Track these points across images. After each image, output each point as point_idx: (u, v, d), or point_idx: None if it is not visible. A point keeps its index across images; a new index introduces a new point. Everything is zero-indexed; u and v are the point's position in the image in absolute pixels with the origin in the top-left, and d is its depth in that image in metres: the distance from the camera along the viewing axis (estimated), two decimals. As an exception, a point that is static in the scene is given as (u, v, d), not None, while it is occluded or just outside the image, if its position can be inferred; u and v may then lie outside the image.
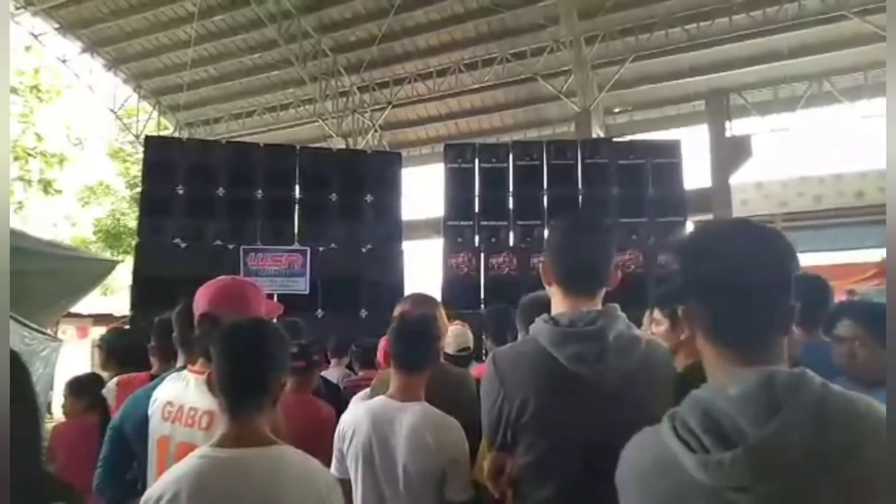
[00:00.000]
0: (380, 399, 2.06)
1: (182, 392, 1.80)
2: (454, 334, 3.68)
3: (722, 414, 0.89)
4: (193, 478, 1.38)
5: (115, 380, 3.10)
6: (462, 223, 7.72)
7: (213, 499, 1.37)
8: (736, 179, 12.17)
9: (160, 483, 1.42)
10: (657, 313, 2.14)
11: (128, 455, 1.97)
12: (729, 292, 0.95)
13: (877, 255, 10.20)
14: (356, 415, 2.05)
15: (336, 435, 2.08)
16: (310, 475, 1.49)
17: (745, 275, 0.94)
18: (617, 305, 1.60)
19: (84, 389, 3.62)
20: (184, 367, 1.97)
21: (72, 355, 9.26)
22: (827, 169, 12.98)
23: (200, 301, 1.83)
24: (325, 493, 1.48)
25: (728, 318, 0.96)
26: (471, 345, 3.69)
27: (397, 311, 2.35)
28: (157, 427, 1.80)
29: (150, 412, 1.84)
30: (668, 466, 0.92)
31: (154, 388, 1.92)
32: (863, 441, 0.84)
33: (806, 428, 0.84)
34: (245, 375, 1.49)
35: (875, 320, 1.92)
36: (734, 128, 12.61)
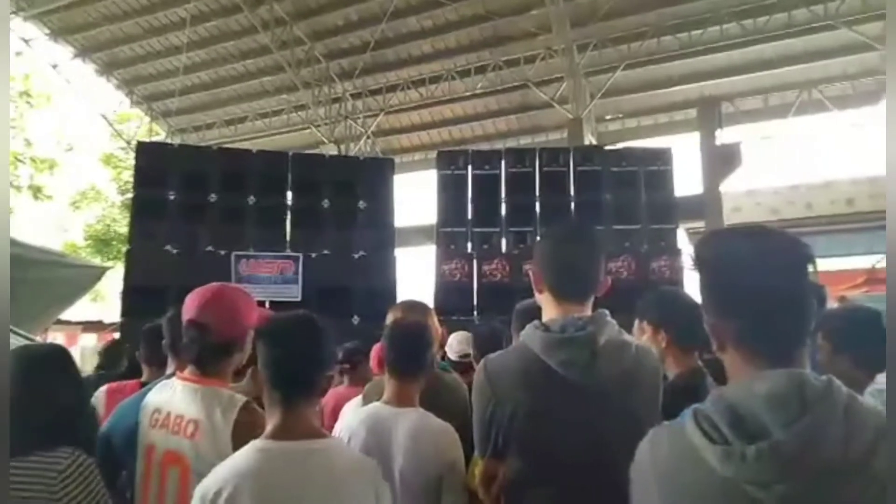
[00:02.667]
0: (375, 406, 2.05)
1: (169, 400, 1.78)
2: (457, 340, 3.71)
3: (747, 410, 0.90)
4: (254, 471, 1.39)
5: (104, 388, 3.07)
6: (455, 230, 7.74)
7: (277, 491, 1.38)
8: (727, 187, 12.24)
9: (217, 477, 1.41)
10: (644, 323, 2.15)
11: (116, 464, 1.95)
12: (760, 301, 0.97)
13: (867, 262, 10.27)
14: (351, 422, 2.04)
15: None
16: (365, 467, 1.54)
17: (774, 283, 0.96)
18: (606, 311, 1.61)
19: None
20: (173, 375, 1.95)
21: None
22: (817, 176, 13.08)
23: (189, 308, 1.82)
24: (379, 485, 1.52)
25: (759, 326, 0.97)
26: (472, 351, 3.70)
27: (389, 318, 2.34)
28: (145, 435, 1.79)
29: (139, 420, 1.83)
30: (687, 459, 0.93)
31: (143, 396, 1.91)
32: (882, 451, 0.86)
33: (832, 431, 0.86)
34: (300, 368, 1.51)
35: (829, 329, 1.94)
36: (725, 135, 12.70)
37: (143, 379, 2.96)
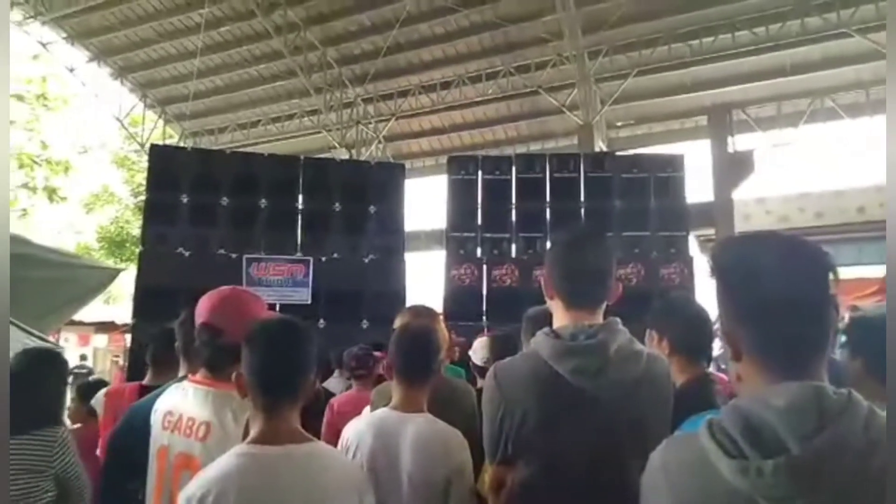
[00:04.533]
0: (383, 411, 2.06)
1: (181, 402, 1.80)
2: (481, 346, 3.72)
3: (764, 423, 0.88)
4: (238, 476, 1.39)
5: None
6: (465, 235, 7.73)
7: (261, 496, 1.38)
8: (738, 194, 12.18)
9: (201, 482, 1.41)
10: (652, 331, 2.14)
11: (129, 465, 1.97)
12: (778, 309, 0.94)
13: (879, 271, 10.17)
14: (359, 427, 2.04)
15: (339, 447, 2.08)
16: (349, 471, 1.56)
17: (794, 291, 0.94)
18: (618, 319, 1.61)
19: (91, 395, 3.64)
20: (185, 377, 1.97)
21: (73, 363, 9.30)
22: (829, 185, 12.98)
23: (201, 311, 1.84)
24: (363, 488, 1.53)
25: (776, 335, 0.95)
26: (488, 355, 3.70)
27: (397, 322, 2.36)
28: (158, 437, 1.81)
29: (151, 422, 1.85)
30: (701, 470, 0.92)
31: (156, 397, 1.93)
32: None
33: (851, 446, 0.83)
34: (282, 373, 1.51)
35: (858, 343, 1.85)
36: (737, 143, 12.64)
37: (146, 381, 2.96)
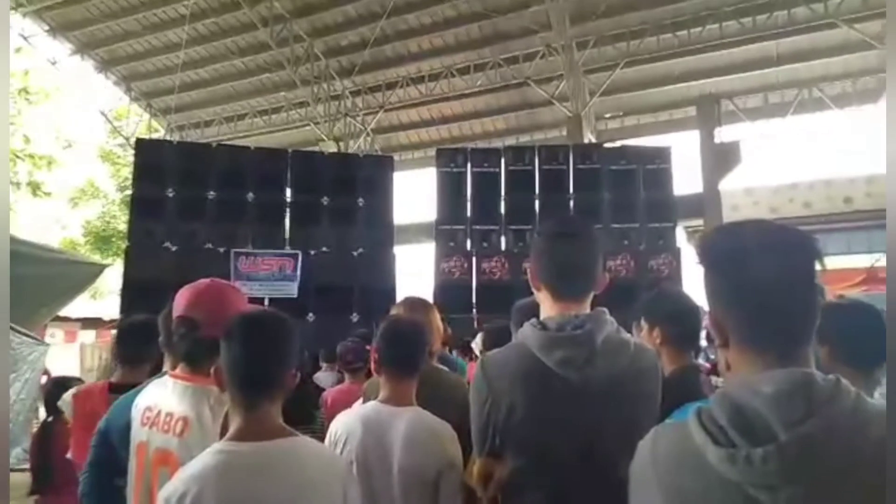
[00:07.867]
0: (372, 404, 2.05)
1: (161, 397, 1.77)
2: (481, 338, 3.72)
3: (752, 411, 0.87)
4: (216, 474, 1.36)
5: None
6: (454, 227, 7.73)
7: (241, 493, 1.36)
8: (726, 185, 12.25)
9: (180, 480, 1.38)
10: (641, 320, 2.14)
11: (114, 461, 1.94)
12: (766, 296, 0.94)
13: (866, 260, 10.30)
14: (348, 421, 2.03)
15: (327, 442, 2.07)
16: (332, 464, 1.53)
17: (781, 278, 0.93)
18: (605, 309, 1.60)
19: (59, 395, 3.60)
20: (166, 372, 1.94)
21: (60, 359, 9.20)
22: (816, 175, 13.09)
23: (179, 304, 1.80)
24: (347, 480, 1.51)
25: (763, 322, 0.95)
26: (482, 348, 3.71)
27: (392, 314, 2.35)
28: (137, 433, 1.78)
29: (131, 417, 1.82)
30: (690, 459, 0.91)
31: (136, 394, 1.90)
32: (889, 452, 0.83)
33: (840, 434, 0.83)
34: (262, 367, 1.47)
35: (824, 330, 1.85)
36: (724, 133, 12.70)
37: (115, 379, 2.78)
